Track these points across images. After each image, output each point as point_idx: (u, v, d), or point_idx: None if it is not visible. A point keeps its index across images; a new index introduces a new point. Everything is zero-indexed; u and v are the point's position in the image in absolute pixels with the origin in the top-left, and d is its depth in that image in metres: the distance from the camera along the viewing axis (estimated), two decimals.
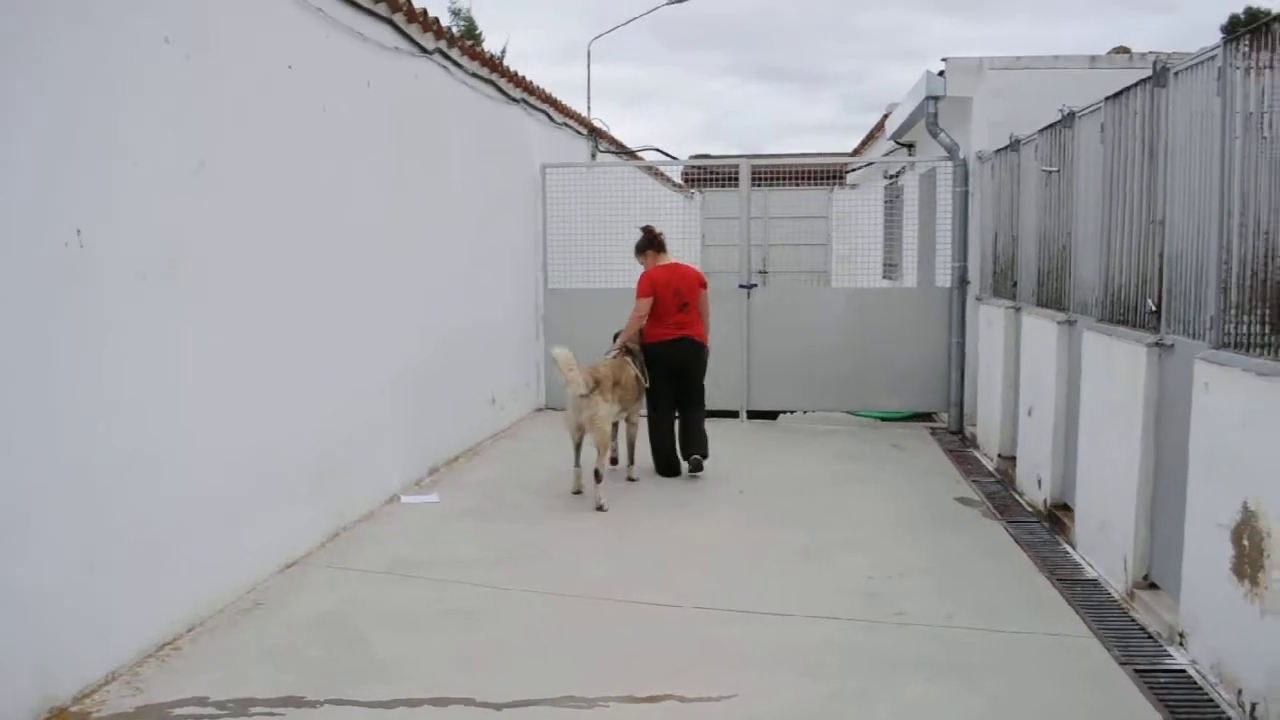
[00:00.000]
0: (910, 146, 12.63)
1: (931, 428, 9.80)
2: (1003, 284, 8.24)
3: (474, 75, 8.20)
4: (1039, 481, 6.64)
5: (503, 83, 8.85)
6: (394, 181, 6.73)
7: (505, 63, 9.14)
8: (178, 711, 3.69)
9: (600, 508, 6.60)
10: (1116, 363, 5.19)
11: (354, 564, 5.35)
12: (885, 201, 13.29)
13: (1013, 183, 7.88)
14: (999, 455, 7.88)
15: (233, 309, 4.78)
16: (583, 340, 8.01)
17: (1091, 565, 5.43)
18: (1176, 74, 4.61)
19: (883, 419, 10.15)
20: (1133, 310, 5.15)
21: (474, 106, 8.34)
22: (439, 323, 7.58)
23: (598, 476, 6.73)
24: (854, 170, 14.97)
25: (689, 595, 4.93)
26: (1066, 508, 6.24)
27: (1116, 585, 5.04)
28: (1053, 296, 6.69)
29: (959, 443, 9.10)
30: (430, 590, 4.99)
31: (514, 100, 9.30)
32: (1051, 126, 6.68)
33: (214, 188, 4.61)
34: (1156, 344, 4.73)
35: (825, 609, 4.78)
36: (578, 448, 7.09)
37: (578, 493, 6.97)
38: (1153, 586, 4.82)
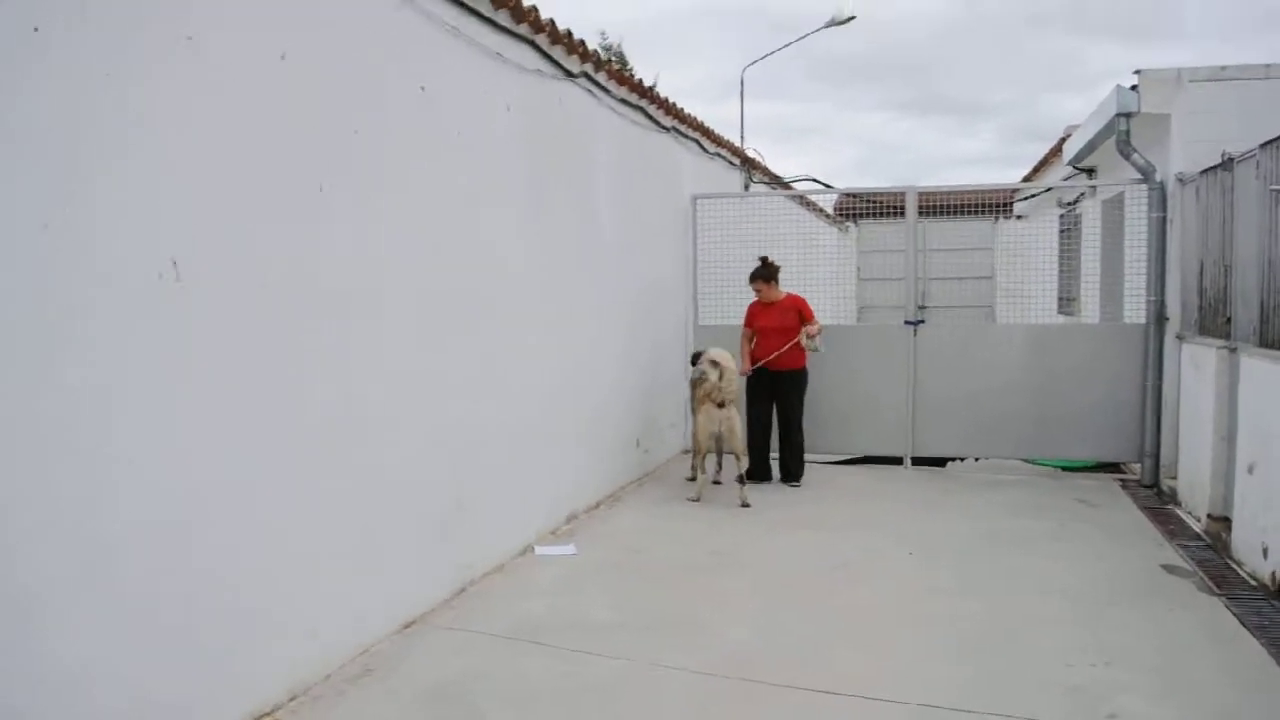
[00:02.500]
0: (1090, 172, 11.63)
1: (1121, 480, 8.78)
2: (1211, 320, 7.27)
3: (622, 101, 7.78)
4: (1264, 550, 5.68)
5: (652, 109, 8.42)
6: (535, 211, 6.34)
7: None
8: None
9: (745, 504, 7.50)
10: None
11: (479, 626, 4.87)
12: (1061, 231, 12.30)
13: (1224, 206, 6.94)
14: (1208, 516, 6.88)
15: (356, 339, 4.41)
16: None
17: None
18: None
19: (1064, 469, 9.19)
20: None
21: (622, 133, 7.93)
22: (580, 358, 7.14)
23: (742, 480, 7.66)
24: (1025, 199, 14.00)
25: (851, 680, 4.26)
26: None
27: None
28: None
29: (1155, 498, 8.08)
30: (561, 661, 4.45)
31: (664, 129, 8.86)
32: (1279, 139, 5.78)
33: (335, 215, 4.26)
34: None
35: (1019, 706, 4.03)
36: (704, 457, 7.91)
37: (696, 499, 7.69)
38: None
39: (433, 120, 5.11)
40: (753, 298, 8.60)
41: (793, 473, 8.47)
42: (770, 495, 8.05)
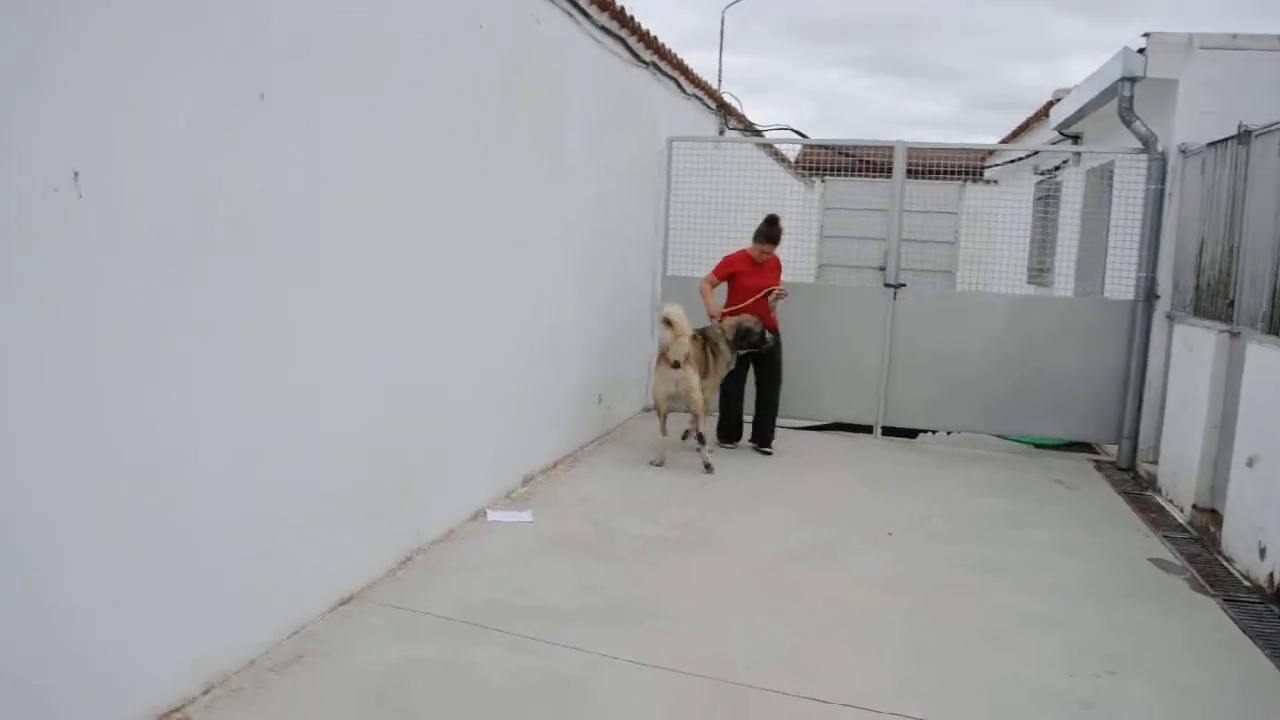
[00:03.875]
0: (1076, 138, 11.21)
1: (1096, 461, 8.47)
2: (1210, 302, 6.90)
3: (602, 29, 7.14)
4: (1261, 550, 5.36)
5: (632, 41, 7.78)
6: (503, 142, 5.73)
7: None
8: None
9: (708, 466, 7.13)
10: None
11: (424, 604, 4.35)
12: (1037, 199, 11.91)
13: (1235, 182, 6.54)
14: (1193, 506, 6.58)
15: (283, 274, 3.79)
16: None
17: None
18: None
19: (1036, 445, 8.87)
20: None
21: (601, 64, 7.30)
22: (542, 306, 6.58)
23: (701, 440, 7.27)
24: (1007, 163, 13.60)
25: (838, 684, 3.84)
26: None
27: None
28: None
29: (1133, 483, 7.78)
30: (516, 653, 3.95)
31: (643, 63, 8.23)
32: None
33: (275, 127, 3.65)
34: None
35: None
36: (665, 417, 7.44)
37: (659, 464, 7.24)
38: None
39: (391, 22, 4.47)
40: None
41: (765, 437, 8.05)
42: (739, 461, 7.62)
